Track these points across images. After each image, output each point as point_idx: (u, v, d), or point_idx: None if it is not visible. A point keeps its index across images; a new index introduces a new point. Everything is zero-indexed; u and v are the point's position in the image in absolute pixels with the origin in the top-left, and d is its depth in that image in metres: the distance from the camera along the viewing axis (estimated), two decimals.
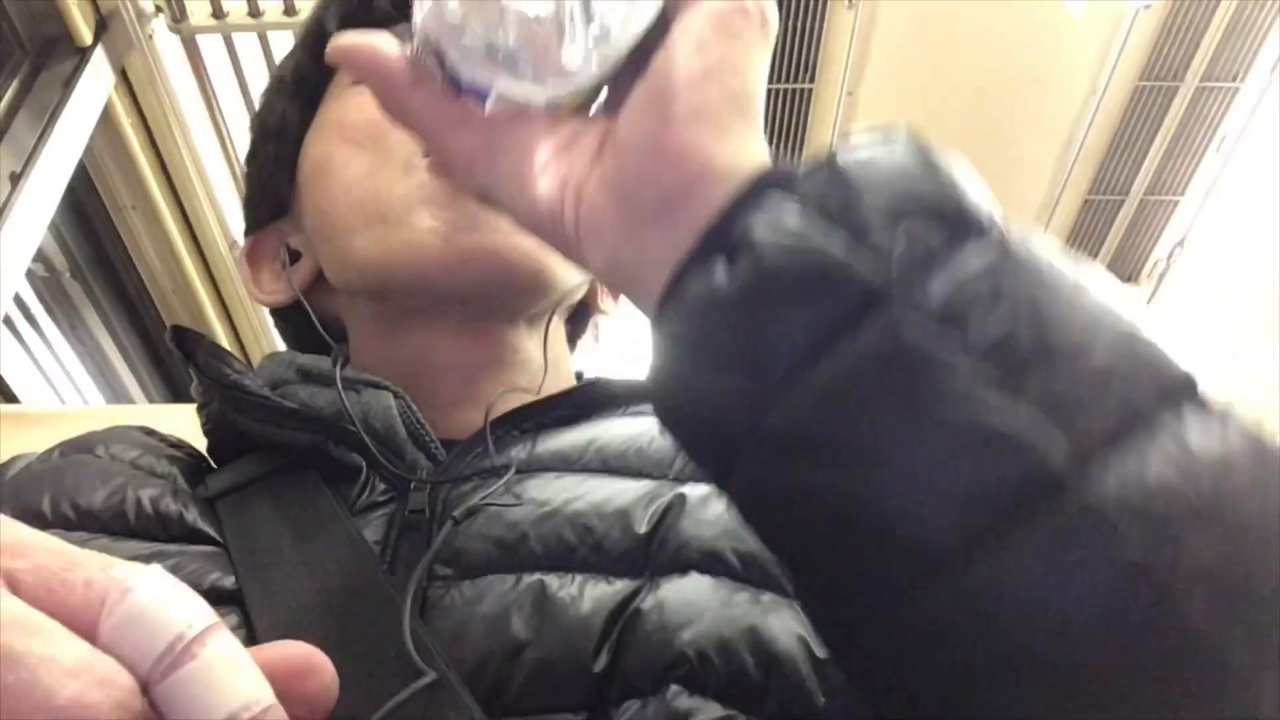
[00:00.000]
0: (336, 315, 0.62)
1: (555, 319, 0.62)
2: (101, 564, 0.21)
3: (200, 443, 0.58)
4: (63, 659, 0.18)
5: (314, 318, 0.61)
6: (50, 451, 0.53)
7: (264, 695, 0.21)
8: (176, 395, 2.13)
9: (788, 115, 2.24)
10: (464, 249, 0.52)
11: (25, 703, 0.17)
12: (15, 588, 0.20)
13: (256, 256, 0.65)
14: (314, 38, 0.62)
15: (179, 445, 0.58)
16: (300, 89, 0.63)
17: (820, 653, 0.39)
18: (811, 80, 2.18)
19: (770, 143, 2.33)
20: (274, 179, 0.64)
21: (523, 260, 0.53)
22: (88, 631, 0.20)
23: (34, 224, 1.42)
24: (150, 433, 0.58)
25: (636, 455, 0.50)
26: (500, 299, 0.56)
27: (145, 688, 0.20)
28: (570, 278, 0.57)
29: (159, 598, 0.21)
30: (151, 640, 0.20)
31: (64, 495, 0.47)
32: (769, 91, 2.20)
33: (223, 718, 0.20)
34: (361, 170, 0.56)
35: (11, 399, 1.72)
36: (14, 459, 0.53)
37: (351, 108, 0.58)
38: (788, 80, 2.17)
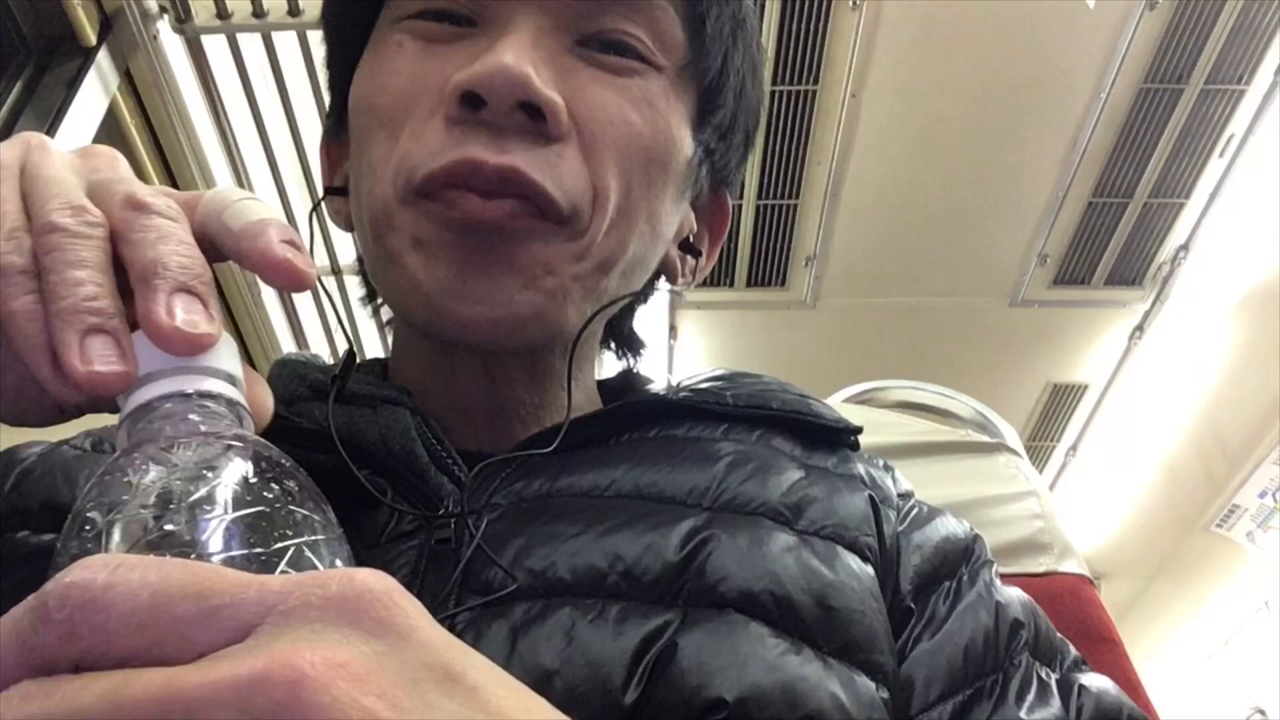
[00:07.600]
0: None
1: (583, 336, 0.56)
2: None
3: None
4: None
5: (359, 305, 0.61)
6: (83, 437, 0.53)
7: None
8: None
9: (792, 117, 2.23)
10: (455, 319, 0.48)
11: None
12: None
13: (331, 157, 0.60)
14: None
15: None
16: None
17: (855, 714, 0.39)
18: (815, 82, 2.18)
19: (774, 144, 2.29)
20: (335, 86, 0.58)
21: (517, 328, 0.48)
22: None
23: None
24: None
25: (669, 480, 0.48)
26: (505, 352, 0.53)
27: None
28: (580, 315, 0.51)
29: None
30: None
31: None
32: (773, 94, 2.21)
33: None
34: (377, 156, 0.50)
35: None
36: (31, 443, 0.51)
37: (383, 73, 0.51)
38: (791, 82, 2.16)
